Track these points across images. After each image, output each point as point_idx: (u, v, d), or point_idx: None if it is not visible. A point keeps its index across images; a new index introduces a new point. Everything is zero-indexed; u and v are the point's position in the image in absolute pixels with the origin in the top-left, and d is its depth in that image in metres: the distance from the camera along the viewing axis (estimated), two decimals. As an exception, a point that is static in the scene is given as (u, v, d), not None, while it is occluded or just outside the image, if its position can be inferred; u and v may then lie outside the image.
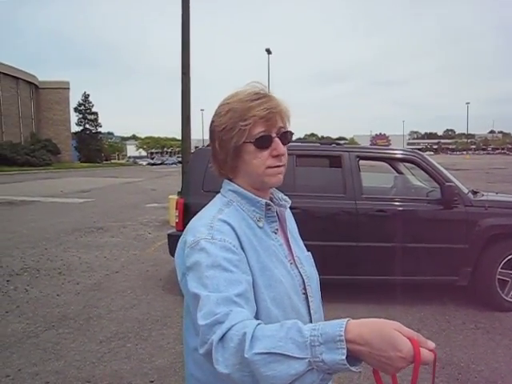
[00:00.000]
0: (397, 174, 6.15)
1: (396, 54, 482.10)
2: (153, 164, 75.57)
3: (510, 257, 4.96)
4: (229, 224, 1.10)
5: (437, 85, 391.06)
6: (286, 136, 1.18)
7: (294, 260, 1.23)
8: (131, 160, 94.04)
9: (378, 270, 5.09)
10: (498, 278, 4.96)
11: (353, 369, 0.81)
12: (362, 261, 5.09)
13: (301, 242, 1.36)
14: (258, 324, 0.89)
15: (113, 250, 8.06)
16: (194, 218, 1.18)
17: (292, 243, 1.27)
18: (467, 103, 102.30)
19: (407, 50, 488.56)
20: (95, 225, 10.90)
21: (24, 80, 58.36)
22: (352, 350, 0.80)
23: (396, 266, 4.93)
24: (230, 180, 1.22)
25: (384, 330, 0.81)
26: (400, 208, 5.18)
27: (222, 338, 0.88)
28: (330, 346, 0.80)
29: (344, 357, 0.79)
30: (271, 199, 1.26)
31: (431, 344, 0.83)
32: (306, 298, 1.22)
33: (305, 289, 1.22)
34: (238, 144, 1.12)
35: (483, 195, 5.49)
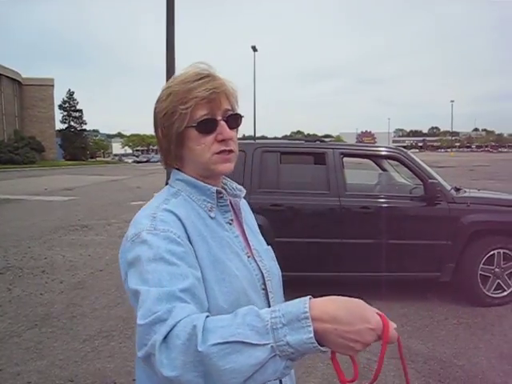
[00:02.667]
0: (381, 171, 6.19)
1: (382, 52, 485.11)
2: (138, 162, 75.16)
3: (491, 253, 5.02)
4: (174, 214, 1.00)
5: (422, 83, 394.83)
6: (233, 119, 1.08)
7: (252, 253, 1.13)
8: (116, 158, 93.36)
9: (362, 266, 5.12)
10: (480, 274, 5.02)
11: (322, 348, 0.76)
12: (345, 257, 5.11)
13: (260, 235, 1.26)
14: (207, 316, 0.81)
15: (97, 249, 8.00)
16: (138, 211, 1.08)
17: (249, 235, 1.17)
18: (452, 101, 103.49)
19: (393, 49, 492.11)
20: (79, 223, 10.81)
21: (7, 77, 57.51)
22: (316, 328, 0.75)
23: (379, 262, 4.95)
24: (179, 170, 1.13)
25: (350, 303, 0.79)
26: (384, 205, 5.21)
27: (166, 337, 0.79)
28: (295, 325, 0.75)
29: (311, 335, 0.74)
30: (224, 189, 1.17)
31: (393, 324, 0.81)
32: (266, 294, 1.12)
33: (264, 284, 1.12)
34: (180, 130, 1.04)
35: (466, 192, 5.55)
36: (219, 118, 1.05)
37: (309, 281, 5.43)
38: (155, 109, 1.10)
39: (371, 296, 5.17)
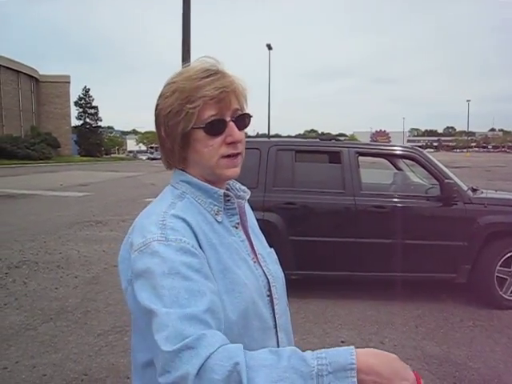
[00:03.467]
0: (396, 171, 6.14)
1: (397, 51, 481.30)
2: (153, 158, 75.37)
3: (508, 254, 4.96)
4: (184, 220, 0.94)
5: (438, 82, 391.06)
6: (242, 120, 1.02)
7: (257, 258, 1.09)
8: (131, 154, 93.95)
9: (377, 266, 5.09)
10: (497, 276, 4.96)
11: None
12: (360, 257, 5.08)
13: (262, 238, 1.21)
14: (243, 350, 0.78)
15: (111, 244, 8.04)
16: (141, 215, 1.02)
17: (254, 239, 1.12)
18: (468, 101, 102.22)
19: (408, 47, 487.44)
20: (94, 218, 10.89)
21: (25, 73, 58.12)
22: (358, 379, 0.75)
23: (394, 262, 4.93)
24: (183, 170, 1.07)
25: (391, 359, 0.80)
26: (399, 204, 5.17)
27: (200, 370, 0.75)
28: (340, 374, 0.75)
29: None
30: (228, 190, 1.12)
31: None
32: (271, 300, 1.07)
33: (269, 290, 1.07)
34: (186, 130, 0.97)
35: (482, 192, 5.48)
36: (228, 118, 0.99)
37: (322, 280, 5.43)
38: (157, 105, 1.03)
39: (386, 296, 5.19)
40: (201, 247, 0.93)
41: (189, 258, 0.87)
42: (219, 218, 1.02)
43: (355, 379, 0.74)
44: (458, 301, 5.21)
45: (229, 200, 1.06)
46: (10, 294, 5.38)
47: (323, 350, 0.79)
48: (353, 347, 0.79)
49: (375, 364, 0.77)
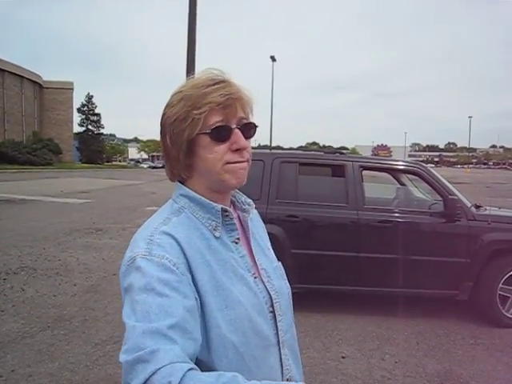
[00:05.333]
0: (399, 186, 6.13)
1: (400, 66, 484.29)
2: (154, 167, 75.59)
3: (511, 272, 4.92)
4: (172, 237, 0.94)
5: (440, 98, 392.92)
6: (248, 128, 1.02)
7: (260, 273, 1.06)
8: (132, 163, 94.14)
9: (378, 281, 5.05)
10: (499, 294, 4.92)
11: None
12: (362, 271, 5.05)
13: (270, 252, 1.18)
14: (189, 370, 0.75)
15: (111, 252, 8.00)
16: (139, 229, 1.02)
17: (257, 253, 1.09)
18: (470, 117, 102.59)
19: (411, 63, 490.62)
20: (94, 226, 10.85)
21: (28, 79, 58.44)
22: None
23: (396, 277, 4.89)
24: (183, 183, 1.06)
25: None
26: (402, 220, 5.13)
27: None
28: None
29: None
30: (233, 203, 1.12)
31: None
32: (274, 316, 1.05)
33: (272, 306, 1.05)
34: (192, 136, 0.97)
35: (486, 209, 5.45)
36: (234, 125, 0.99)
37: (323, 294, 5.38)
38: (164, 114, 1.03)
39: (387, 312, 5.15)
40: (190, 265, 0.92)
41: (167, 275, 0.87)
42: (217, 234, 1.01)
43: None
44: (460, 318, 5.16)
45: (227, 215, 1.04)
46: (8, 300, 5.33)
47: (268, 382, 0.76)
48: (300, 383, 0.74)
49: None
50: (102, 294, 5.65)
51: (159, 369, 0.74)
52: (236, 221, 1.07)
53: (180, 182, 1.07)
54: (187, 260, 0.92)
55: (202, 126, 0.96)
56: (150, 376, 0.73)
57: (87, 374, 3.62)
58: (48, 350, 4.04)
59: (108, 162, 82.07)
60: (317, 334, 4.60)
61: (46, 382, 3.49)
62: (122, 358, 0.78)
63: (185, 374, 0.74)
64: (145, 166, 79.94)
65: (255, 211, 1.21)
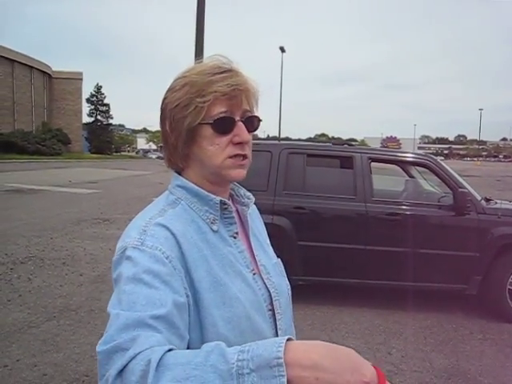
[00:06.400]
0: (408, 178, 6.05)
1: (410, 57, 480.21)
2: (162, 158, 75.64)
3: (521, 267, 4.85)
4: (168, 229, 0.88)
5: (450, 90, 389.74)
6: (251, 122, 0.97)
7: (259, 269, 1.01)
8: (140, 153, 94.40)
9: (386, 274, 5.00)
10: (509, 289, 4.86)
11: None
12: (369, 264, 5.00)
13: (269, 247, 1.14)
14: (171, 349, 0.69)
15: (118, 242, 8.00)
16: (133, 220, 0.97)
17: (256, 249, 1.05)
18: (480, 109, 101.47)
19: (421, 54, 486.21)
20: (102, 216, 10.88)
21: (38, 69, 58.51)
22: (292, 377, 0.62)
23: (404, 271, 4.84)
24: (180, 173, 1.02)
25: (339, 350, 0.65)
26: (411, 212, 5.07)
27: (121, 371, 0.67)
28: (265, 373, 0.62)
29: None
30: (231, 196, 1.07)
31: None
32: (273, 315, 1.00)
33: (271, 304, 1.00)
34: (193, 125, 0.93)
35: (496, 203, 5.37)
36: (238, 118, 0.94)
37: (329, 286, 5.34)
38: (165, 99, 0.98)
39: (394, 305, 5.10)
40: (185, 259, 0.87)
41: (159, 267, 0.81)
42: (215, 227, 0.96)
43: (284, 379, 0.61)
44: (468, 313, 5.11)
45: (226, 208, 0.99)
46: (15, 290, 5.34)
47: (255, 342, 0.68)
48: (286, 337, 0.66)
49: (316, 357, 0.63)
50: (108, 285, 5.64)
51: (138, 353, 0.67)
52: (235, 214, 1.03)
53: (177, 172, 1.03)
54: (183, 254, 0.88)
55: (204, 116, 0.92)
56: (128, 362, 0.67)
57: (92, 365, 3.61)
58: (53, 340, 4.04)
59: (117, 152, 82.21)
60: (323, 327, 4.56)
61: (50, 371, 3.49)
62: (99, 348, 0.71)
63: (165, 352, 0.67)
64: (153, 156, 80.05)
65: (254, 206, 1.16)
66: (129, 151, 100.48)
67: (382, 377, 0.66)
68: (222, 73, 0.93)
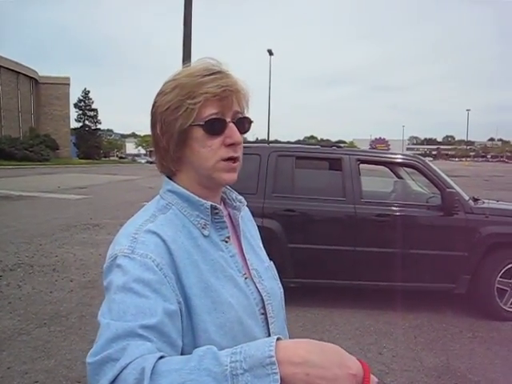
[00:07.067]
0: (397, 179, 6.10)
1: (397, 59, 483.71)
2: (151, 162, 75.35)
3: (509, 266, 4.92)
4: (158, 235, 0.88)
5: (438, 91, 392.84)
6: (242, 123, 0.97)
7: (250, 273, 1.01)
8: (130, 158, 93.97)
9: (376, 275, 5.03)
10: (497, 287, 4.92)
11: None
12: (359, 266, 5.03)
13: (261, 251, 1.13)
14: (162, 357, 0.70)
15: (108, 248, 7.96)
16: (123, 226, 0.96)
17: (248, 253, 1.04)
18: (468, 110, 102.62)
19: (409, 56, 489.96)
20: (91, 222, 10.82)
21: (24, 74, 58.08)
22: (284, 374, 0.64)
23: (394, 271, 4.88)
24: (171, 178, 1.02)
25: (326, 347, 0.68)
26: (399, 213, 5.11)
27: (112, 382, 0.67)
28: (258, 372, 0.64)
29: (278, 383, 0.64)
30: (223, 200, 1.07)
31: (374, 378, 0.71)
32: (266, 319, 1.00)
33: (264, 308, 1.00)
34: (184, 127, 0.92)
35: (484, 203, 5.43)
36: (229, 119, 0.94)
37: (320, 288, 5.37)
38: (155, 102, 0.97)
39: (385, 306, 5.14)
40: (176, 265, 0.87)
41: (149, 276, 0.81)
42: (206, 232, 0.96)
43: (278, 376, 0.63)
44: (458, 312, 5.16)
45: (217, 213, 0.99)
46: (4, 297, 5.30)
47: (246, 344, 0.69)
48: (275, 337, 0.68)
49: (304, 351, 0.66)
50: (98, 290, 5.61)
51: (129, 363, 0.68)
52: (226, 219, 1.03)
53: (168, 177, 1.03)
54: (173, 260, 0.87)
55: (195, 117, 0.92)
56: (120, 372, 0.67)
57: (83, 371, 3.56)
58: (44, 347, 4.02)
59: (105, 157, 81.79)
60: (314, 329, 4.59)
61: (42, 378, 3.47)
62: (89, 359, 0.71)
63: (157, 359, 0.68)
64: (142, 161, 79.76)
65: (247, 209, 1.16)
66: (117, 156, 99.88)
67: (367, 369, 0.70)
68: (211, 74, 0.93)
